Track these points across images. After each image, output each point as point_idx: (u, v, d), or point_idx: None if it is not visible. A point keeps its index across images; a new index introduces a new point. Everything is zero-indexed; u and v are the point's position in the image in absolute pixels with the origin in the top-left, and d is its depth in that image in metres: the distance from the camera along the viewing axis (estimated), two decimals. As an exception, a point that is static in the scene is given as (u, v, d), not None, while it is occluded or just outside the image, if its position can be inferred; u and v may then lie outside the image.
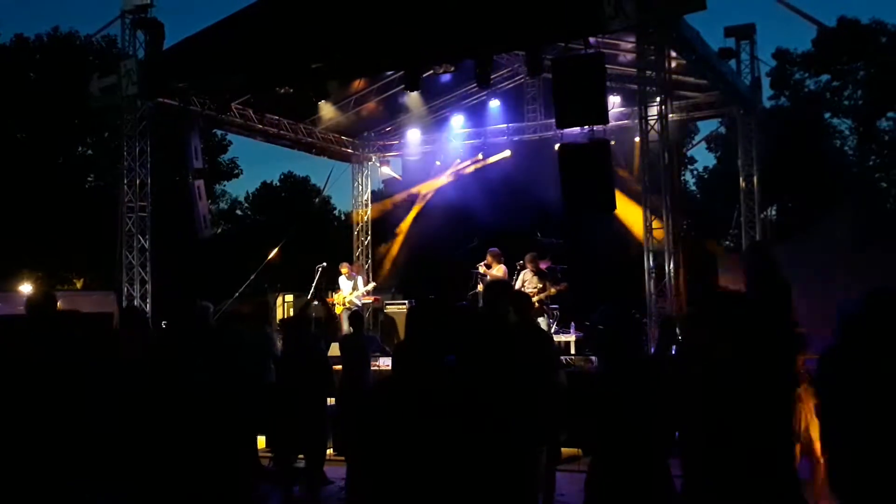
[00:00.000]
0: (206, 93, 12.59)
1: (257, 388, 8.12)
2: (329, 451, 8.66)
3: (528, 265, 12.11)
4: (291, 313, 15.62)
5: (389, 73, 13.67)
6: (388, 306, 15.42)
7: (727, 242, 16.51)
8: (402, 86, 12.87)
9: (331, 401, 8.88)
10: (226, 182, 35.33)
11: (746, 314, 4.18)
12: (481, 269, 12.58)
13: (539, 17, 10.06)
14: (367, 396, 4.97)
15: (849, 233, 10.89)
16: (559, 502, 6.31)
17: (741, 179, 14.23)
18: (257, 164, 38.21)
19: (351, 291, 14.38)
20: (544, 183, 13.68)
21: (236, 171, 33.94)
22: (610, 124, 10.88)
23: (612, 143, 11.02)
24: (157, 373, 4.60)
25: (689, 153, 29.77)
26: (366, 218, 17.91)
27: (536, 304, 10.68)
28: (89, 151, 29.98)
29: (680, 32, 10.36)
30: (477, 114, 16.43)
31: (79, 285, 28.34)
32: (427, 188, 17.84)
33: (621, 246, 14.62)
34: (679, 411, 4.23)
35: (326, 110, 14.72)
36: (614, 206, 10.70)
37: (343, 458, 8.73)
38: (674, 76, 10.82)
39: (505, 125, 16.28)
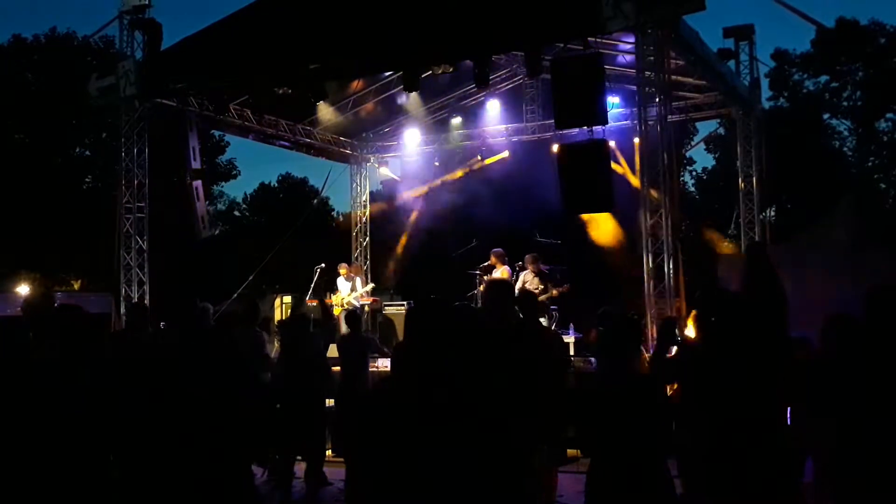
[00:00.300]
0: (204, 93, 12.58)
1: (254, 388, 8.10)
2: (328, 453, 8.65)
3: (529, 266, 12.11)
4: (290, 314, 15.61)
5: (388, 73, 13.65)
6: (386, 307, 15.40)
7: (725, 243, 16.46)
8: (401, 86, 12.84)
9: (330, 402, 8.87)
10: (224, 183, 35.33)
11: (744, 315, 4.17)
12: (483, 273, 12.59)
13: (538, 18, 10.05)
14: (366, 397, 4.95)
15: (848, 233, 10.91)
16: (559, 503, 6.30)
17: (740, 180, 14.23)
18: (255, 165, 38.22)
19: (349, 292, 14.36)
20: (543, 184, 13.68)
21: (234, 172, 33.94)
22: (609, 125, 10.87)
23: (612, 143, 11.00)
24: (159, 373, 4.57)
25: (687, 154, 29.78)
26: (364, 219, 17.90)
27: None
28: (87, 152, 29.96)
29: (679, 33, 10.35)
30: (476, 114, 16.42)
31: (76, 286, 28.31)
32: (425, 191, 17.82)
33: (620, 246, 14.63)
34: (678, 412, 4.22)
35: (325, 111, 14.69)
36: (613, 205, 10.69)
37: (342, 459, 8.72)
38: (673, 77, 10.80)
39: (504, 126, 16.27)
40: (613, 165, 12.01)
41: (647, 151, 10.15)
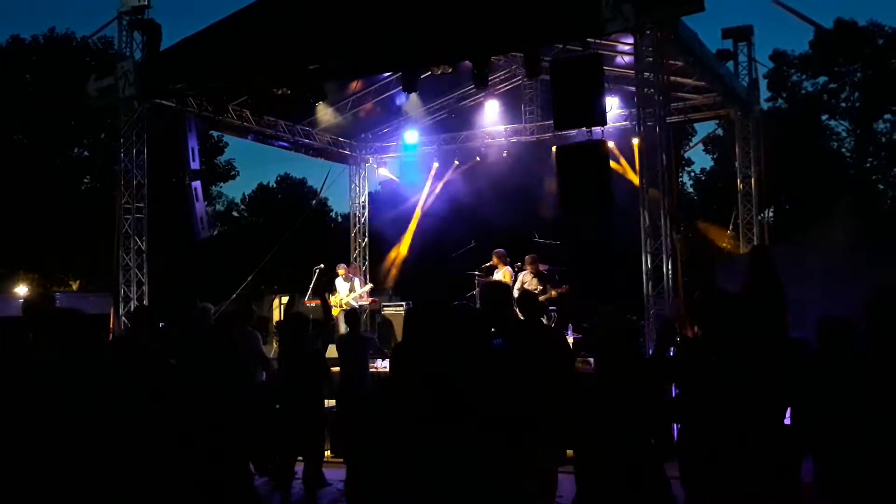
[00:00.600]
0: (203, 94, 12.57)
1: (251, 388, 8.12)
2: (327, 453, 8.64)
3: (528, 266, 12.14)
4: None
5: (387, 74, 13.65)
6: (385, 308, 15.41)
7: (723, 244, 16.47)
8: (400, 87, 12.85)
9: (329, 403, 8.87)
10: (222, 184, 35.35)
11: (744, 315, 4.18)
12: (485, 273, 12.63)
13: (537, 19, 10.05)
14: (366, 398, 4.96)
15: (846, 235, 10.90)
16: (559, 503, 6.30)
17: (738, 181, 14.24)
18: (254, 165, 38.22)
19: (348, 293, 14.38)
20: (542, 184, 13.71)
21: (233, 173, 33.96)
22: (608, 126, 10.88)
23: (611, 144, 11.02)
24: (159, 373, 4.58)
25: (686, 155, 29.81)
26: (363, 219, 17.91)
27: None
28: (86, 153, 29.96)
29: (678, 34, 10.35)
30: (474, 115, 16.42)
31: (75, 287, 28.32)
32: (426, 194, 17.84)
33: (619, 247, 14.63)
34: (678, 412, 4.23)
35: (324, 112, 14.69)
36: (612, 203, 10.70)
37: (341, 459, 8.72)
38: (671, 78, 10.80)
39: (502, 127, 16.28)
40: (612, 164, 12.04)
41: (645, 152, 10.16)
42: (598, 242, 15.15)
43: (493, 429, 3.21)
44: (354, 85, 14.39)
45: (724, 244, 15.81)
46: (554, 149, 11.72)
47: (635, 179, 11.40)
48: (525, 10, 10.03)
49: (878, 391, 3.75)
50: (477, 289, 12.78)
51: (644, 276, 10.04)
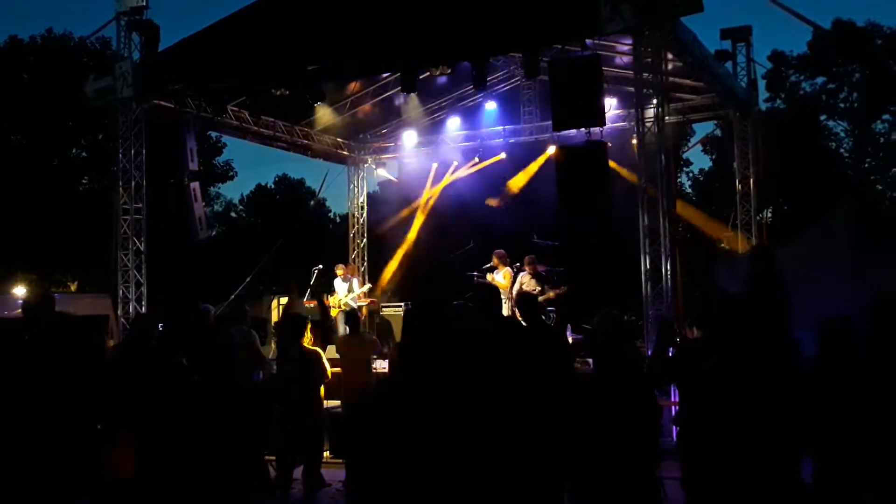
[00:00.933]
0: (201, 95, 12.55)
1: (251, 388, 8.12)
2: (326, 454, 8.63)
3: (527, 267, 12.15)
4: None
5: (386, 74, 13.65)
6: (384, 309, 15.40)
7: (722, 245, 16.47)
8: (399, 88, 12.85)
9: (329, 403, 8.87)
10: (220, 184, 35.30)
11: (745, 316, 4.17)
12: (485, 274, 12.64)
13: (536, 20, 10.05)
14: (367, 399, 4.94)
15: (845, 235, 10.90)
16: None
17: (737, 182, 14.25)
18: (252, 166, 38.20)
19: (346, 293, 14.38)
20: (541, 185, 13.69)
21: (231, 174, 33.91)
22: (606, 126, 10.88)
23: (609, 144, 11.00)
24: (159, 374, 4.58)
25: (684, 155, 29.81)
26: (361, 220, 17.90)
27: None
28: (84, 153, 29.92)
29: (676, 35, 10.36)
30: (473, 116, 16.43)
31: (73, 288, 28.29)
32: (426, 197, 17.84)
33: (618, 248, 14.63)
34: (678, 413, 4.22)
35: (322, 112, 14.69)
36: (610, 208, 10.70)
37: (340, 460, 8.72)
38: (670, 78, 10.82)
39: (501, 127, 16.28)
40: (612, 164, 12.04)
41: (644, 153, 10.16)
42: (597, 243, 15.12)
43: (493, 428, 3.21)
44: (353, 86, 14.40)
45: (724, 244, 15.81)
46: (553, 148, 11.72)
47: (634, 180, 11.39)
48: (524, 10, 10.03)
49: (878, 392, 3.75)
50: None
51: (643, 277, 10.04)
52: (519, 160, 16.36)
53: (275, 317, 15.87)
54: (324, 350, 8.69)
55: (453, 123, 16.41)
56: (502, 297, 12.02)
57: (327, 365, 8.17)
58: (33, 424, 4.37)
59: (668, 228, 9.89)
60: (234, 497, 4.35)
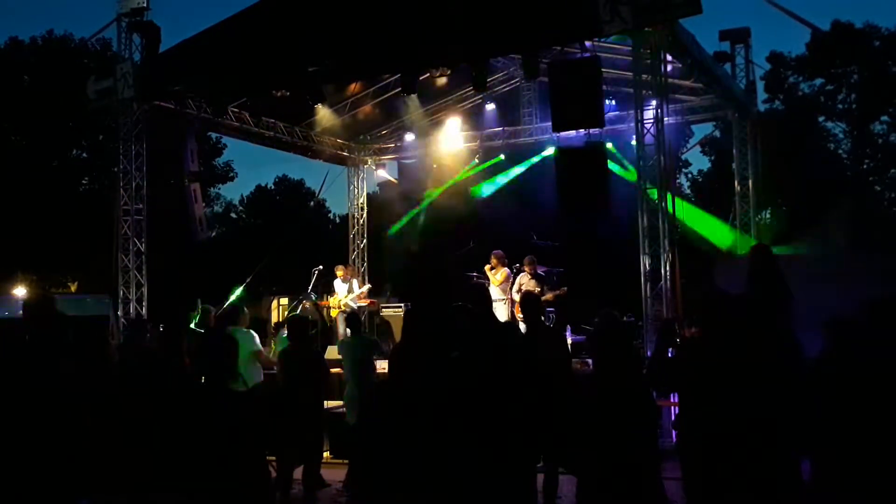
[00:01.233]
0: (202, 96, 12.57)
1: (250, 390, 8.11)
2: (326, 455, 8.66)
3: (526, 268, 12.18)
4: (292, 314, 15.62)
5: (386, 76, 13.67)
6: (384, 309, 15.43)
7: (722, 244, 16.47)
8: (399, 89, 12.87)
9: (329, 404, 8.90)
10: (220, 185, 35.34)
11: (746, 315, 4.20)
12: (487, 270, 12.67)
13: (535, 21, 10.07)
14: (369, 399, 4.98)
15: (844, 236, 10.94)
16: (558, 504, 6.32)
17: (736, 183, 14.28)
18: (252, 167, 38.31)
19: (346, 294, 14.40)
20: (540, 186, 13.71)
21: (231, 175, 33.95)
22: (606, 128, 10.92)
23: (609, 145, 11.06)
24: (158, 375, 4.60)
25: (683, 156, 29.80)
26: (361, 221, 17.92)
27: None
28: (84, 154, 29.93)
29: (675, 36, 10.38)
30: (473, 117, 16.45)
31: (73, 288, 28.30)
32: (429, 198, 17.89)
33: (618, 249, 14.66)
34: (679, 413, 4.25)
35: (322, 113, 14.70)
36: (609, 208, 10.73)
37: (340, 461, 8.74)
38: (669, 80, 10.83)
39: (500, 128, 16.30)
40: (611, 165, 12.09)
41: (643, 154, 10.19)
42: (597, 244, 15.16)
43: (493, 428, 3.23)
44: (353, 87, 14.41)
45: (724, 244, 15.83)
46: (553, 150, 11.74)
47: (634, 181, 11.42)
48: (523, 12, 10.04)
49: (879, 393, 3.77)
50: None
51: (642, 278, 10.07)
52: (519, 161, 16.41)
53: (275, 317, 15.90)
54: (324, 351, 8.73)
55: (453, 124, 16.43)
56: (500, 298, 12.07)
57: (328, 366, 8.21)
58: (34, 425, 4.39)
59: (667, 229, 9.92)
60: (235, 497, 4.37)
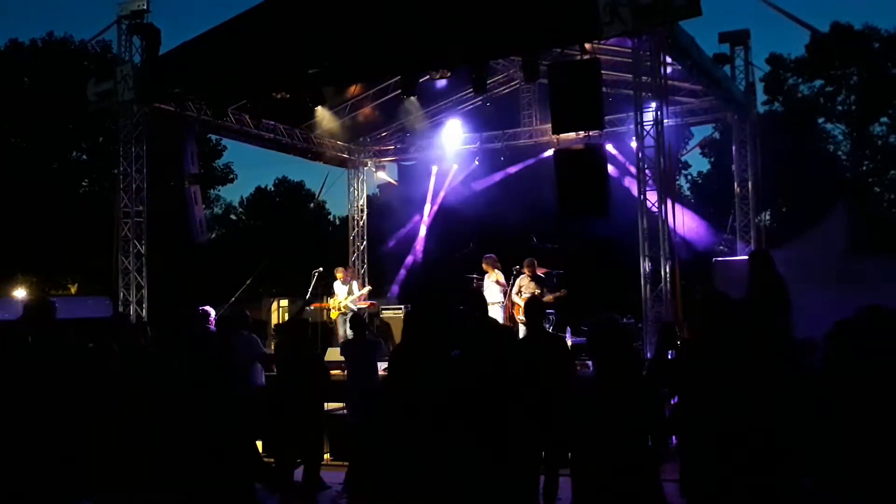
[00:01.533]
0: (202, 98, 12.57)
1: (251, 392, 8.15)
2: (326, 456, 8.66)
3: (526, 270, 12.19)
4: (286, 318, 15.64)
5: (386, 78, 13.67)
6: (383, 311, 15.44)
7: (721, 247, 16.48)
8: (399, 91, 12.88)
9: (329, 405, 8.90)
10: (220, 187, 35.29)
11: (745, 318, 4.20)
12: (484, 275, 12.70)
13: (535, 23, 10.08)
14: (369, 400, 4.99)
15: (843, 238, 10.95)
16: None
17: (735, 184, 14.29)
18: (252, 169, 38.31)
19: (346, 296, 14.41)
20: (540, 188, 13.71)
21: (231, 176, 33.92)
22: (605, 130, 10.92)
23: (609, 147, 11.07)
24: (158, 376, 4.61)
25: (683, 158, 29.80)
26: (361, 223, 17.93)
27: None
28: (84, 156, 29.93)
29: (675, 38, 10.39)
30: (472, 119, 16.46)
31: (73, 290, 28.31)
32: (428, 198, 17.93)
33: (618, 251, 14.68)
34: (678, 414, 4.25)
35: (322, 115, 14.73)
36: (608, 211, 10.74)
37: (340, 462, 8.74)
38: (669, 82, 10.84)
39: (500, 130, 16.32)
40: (611, 167, 12.11)
41: (643, 156, 10.20)
42: (597, 246, 15.16)
43: (494, 429, 3.24)
44: (353, 89, 14.43)
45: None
46: (553, 151, 11.74)
47: (633, 183, 11.43)
48: (523, 14, 10.05)
49: (879, 396, 3.78)
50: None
51: (642, 280, 10.08)
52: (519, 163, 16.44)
53: (274, 319, 15.92)
54: (324, 353, 8.74)
55: (453, 126, 16.44)
56: (496, 301, 12.10)
57: (328, 367, 8.21)
58: (34, 425, 4.40)
59: (667, 231, 9.93)
60: (235, 497, 4.38)
